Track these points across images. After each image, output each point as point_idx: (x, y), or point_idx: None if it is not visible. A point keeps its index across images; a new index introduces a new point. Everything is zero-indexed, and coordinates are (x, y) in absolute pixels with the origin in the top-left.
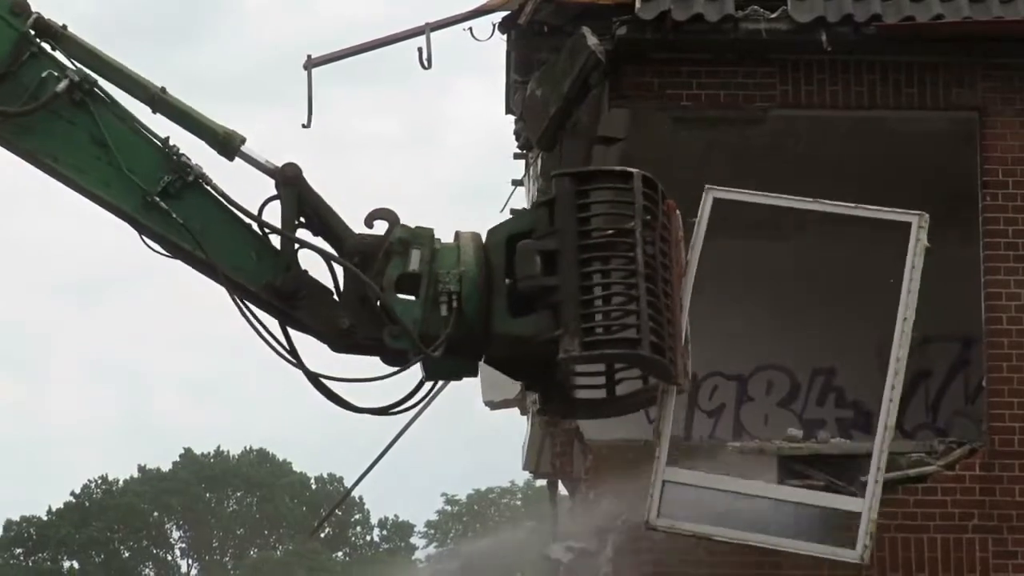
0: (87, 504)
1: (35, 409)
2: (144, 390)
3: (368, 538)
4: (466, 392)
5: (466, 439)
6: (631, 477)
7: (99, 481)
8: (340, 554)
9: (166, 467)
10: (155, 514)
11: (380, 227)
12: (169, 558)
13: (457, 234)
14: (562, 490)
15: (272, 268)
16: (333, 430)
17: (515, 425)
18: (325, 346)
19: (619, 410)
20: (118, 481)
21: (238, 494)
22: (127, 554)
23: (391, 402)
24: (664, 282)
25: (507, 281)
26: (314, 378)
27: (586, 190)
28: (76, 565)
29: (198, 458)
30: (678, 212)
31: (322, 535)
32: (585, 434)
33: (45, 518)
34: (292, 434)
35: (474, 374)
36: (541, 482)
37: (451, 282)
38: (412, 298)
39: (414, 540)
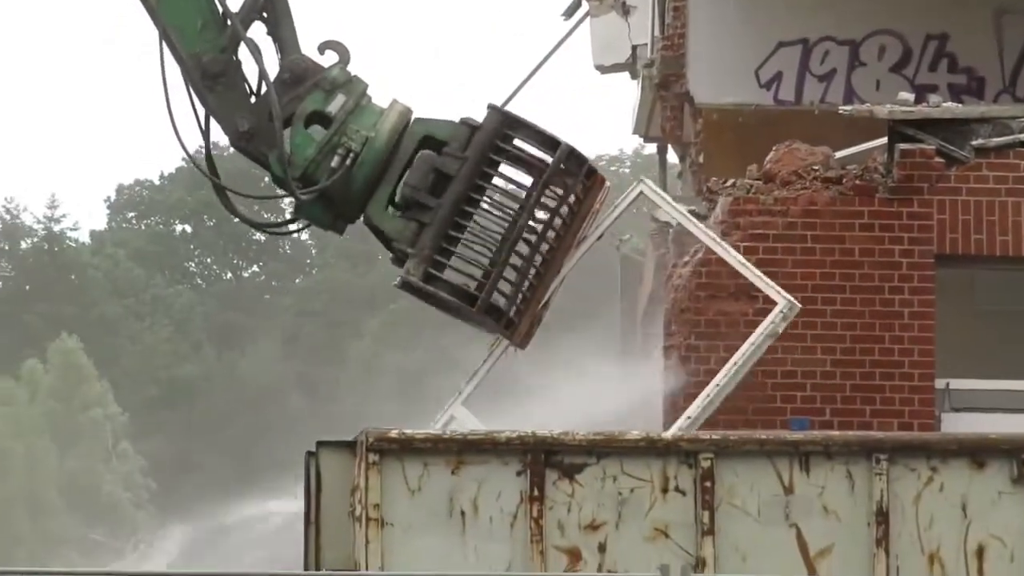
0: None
1: (150, 72)
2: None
3: None
4: (574, 57)
5: (575, 106)
6: (741, 140)
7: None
8: None
9: None
10: (266, 180)
11: (329, 59)
12: None
13: (392, 102)
14: (671, 157)
15: (209, 43)
16: (441, 108)
17: (625, 89)
18: None
19: (467, 317)
20: (227, 147)
21: None
22: (236, 219)
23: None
24: (549, 248)
25: (400, 174)
26: (220, 189)
27: (510, 135)
28: (188, 229)
29: None
30: (605, 188)
31: None
32: (696, 97)
33: (157, 182)
34: None
35: (339, 231)
36: (650, 149)
37: (356, 141)
38: (315, 137)
39: None
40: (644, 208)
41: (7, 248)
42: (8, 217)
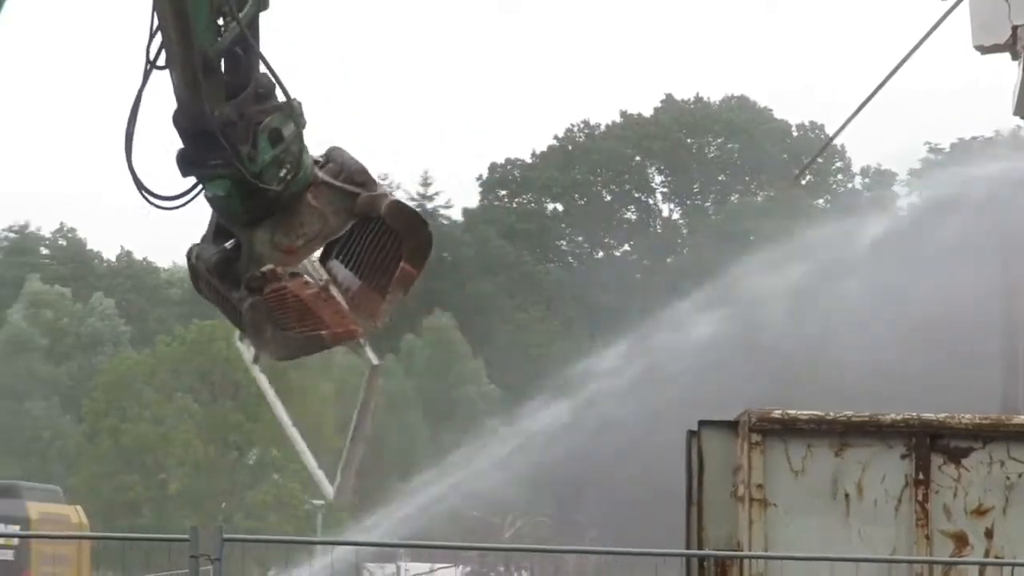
0: (570, 148)
1: (496, 55)
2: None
3: (849, 186)
4: (954, 38)
5: (950, 88)
6: None
7: (581, 125)
8: (821, 201)
9: (647, 112)
10: (637, 159)
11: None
12: (651, 202)
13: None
14: None
15: (209, 40)
16: (815, 78)
17: (1004, 71)
18: None
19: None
20: (599, 126)
21: (719, 140)
22: (609, 197)
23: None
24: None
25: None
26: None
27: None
28: (559, 207)
29: (679, 104)
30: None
31: (803, 182)
32: None
33: (529, 161)
34: (772, 81)
35: (233, 224)
36: None
37: (297, 167)
38: (270, 145)
39: (896, 188)
40: None
41: None
42: None
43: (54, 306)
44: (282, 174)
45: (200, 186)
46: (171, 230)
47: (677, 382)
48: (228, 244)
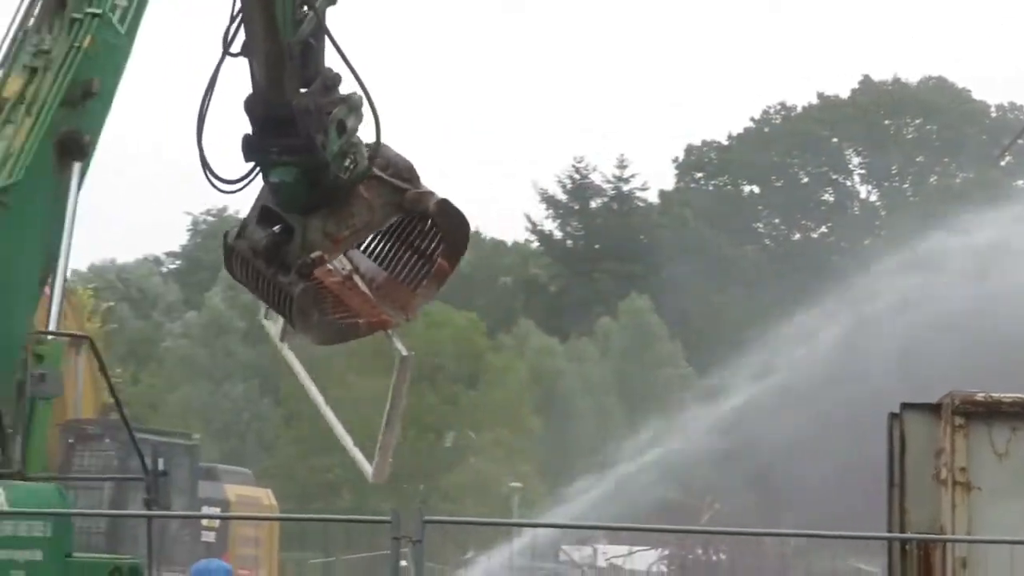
0: (766, 130)
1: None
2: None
3: None
4: None
5: None
6: None
7: (778, 107)
8: (1021, 182)
9: (844, 94)
10: (834, 140)
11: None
12: (848, 184)
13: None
14: None
15: (292, 29)
16: (1015, 58)
17: None
18: None
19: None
20: (796, 107)
21: (917, 121)
22: (806, 179)
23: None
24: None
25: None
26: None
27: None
28: (756, 189)
29: (876, 85)
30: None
31: (1002, 163)
32: None
33: (725, 143)
34: (972, 62)
35: (289, 210)
36: None
37: (360, 157)
38: (337, 135)
39: None
40: None
41: (577, 208)
42: (578, 177)
43: None
44: (347, 164)
45: (257, 172)
46: None
47: (875, 365)
48: (274, 229)
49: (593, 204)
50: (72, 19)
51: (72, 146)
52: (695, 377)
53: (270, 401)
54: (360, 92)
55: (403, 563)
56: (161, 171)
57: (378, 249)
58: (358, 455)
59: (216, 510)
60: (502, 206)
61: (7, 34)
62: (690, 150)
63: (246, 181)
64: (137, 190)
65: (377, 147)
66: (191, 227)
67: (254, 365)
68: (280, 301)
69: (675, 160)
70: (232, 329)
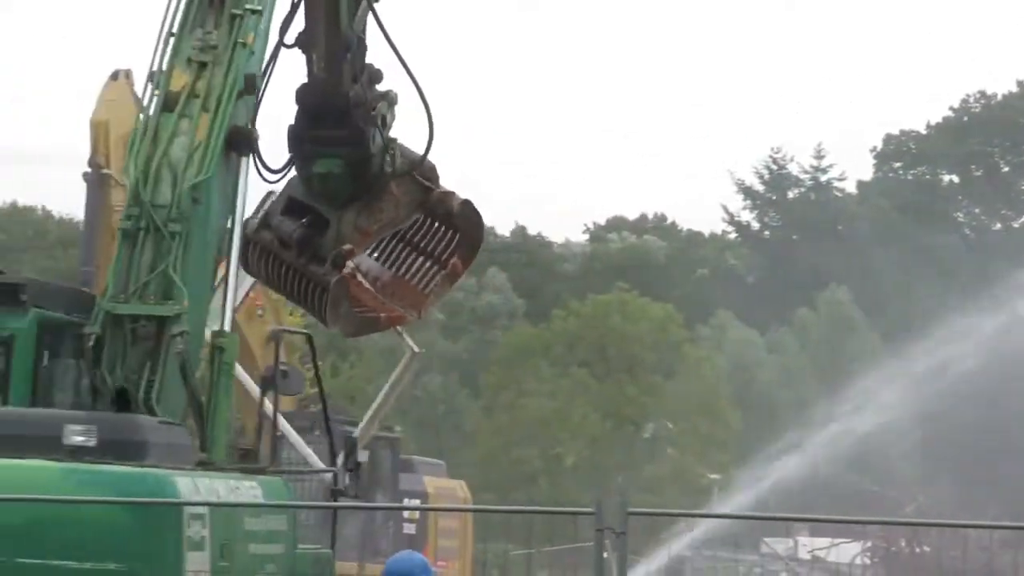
0: (965, 119)
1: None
2: None
3: None
4: None
5: None
6: None
7: (977, 96)
8: None
9: None
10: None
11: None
12: None
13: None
14: None
15: (350, 23)
16: None
17: None
18: None
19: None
20: (996, 95)
21: None
22: (1006, 168)
23: None
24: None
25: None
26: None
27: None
28: (955, 179)
29: None
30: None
31: None
32: None
33: (924, 132)
34: None
35: (329, 202)
36: None
37: (398, 154)
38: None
39: None
40: None
41: (774, 198)
42: (775, 167)
43: None
44: (388, 158)
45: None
46: (565, 207)
47: None
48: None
49: (791, 195)
50: (232, 15)
51: (241, 140)
52: (893, 367)
53: (468, 393)
54: (396, 89)
55: (604, 554)
56: None
57: (382, 249)
58: (310, 452)
59: (416, 502)
60: (694, 195)
61: (162, 29)
62: (888, 140)
63: (287, 171)
64: None
65: (429, 146)
66: None
67: (453, 357)
68: (310, 291)
69: (873, 150)
70: (431, 321)
